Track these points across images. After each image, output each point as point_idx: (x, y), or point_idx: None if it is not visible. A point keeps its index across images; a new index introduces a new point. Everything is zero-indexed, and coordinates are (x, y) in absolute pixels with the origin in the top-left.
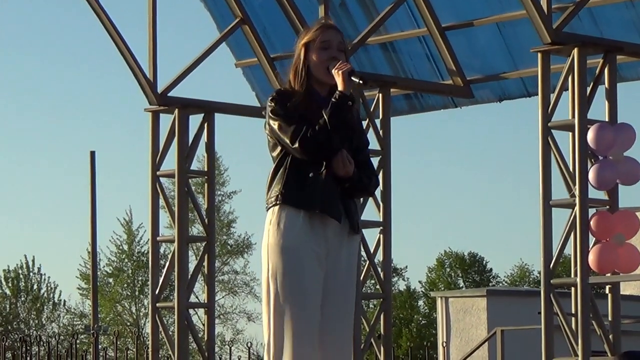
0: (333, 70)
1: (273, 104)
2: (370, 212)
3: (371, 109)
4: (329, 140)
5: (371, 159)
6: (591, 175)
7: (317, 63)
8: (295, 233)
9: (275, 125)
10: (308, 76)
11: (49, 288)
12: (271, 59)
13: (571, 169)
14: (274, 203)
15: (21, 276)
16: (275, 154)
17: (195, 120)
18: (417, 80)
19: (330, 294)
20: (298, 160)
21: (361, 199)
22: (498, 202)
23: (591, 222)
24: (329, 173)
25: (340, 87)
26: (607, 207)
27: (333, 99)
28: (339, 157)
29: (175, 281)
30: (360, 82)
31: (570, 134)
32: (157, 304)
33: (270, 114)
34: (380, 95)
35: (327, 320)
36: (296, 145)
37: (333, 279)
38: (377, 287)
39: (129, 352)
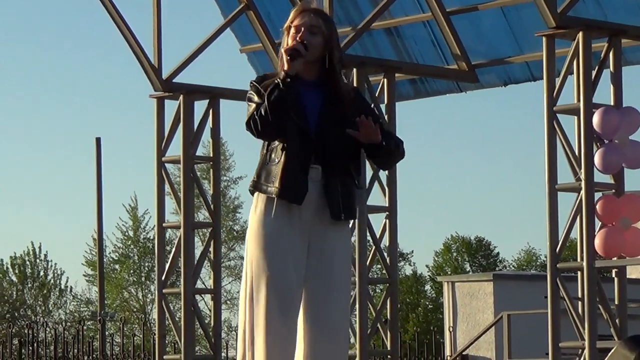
0: (281, 50)
1: (248, 90)
2: (376, 197)
3: (376, 94)
4: (268, 119)
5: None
6: (597, 159)
7: None
8: (271, 220)
9: (248, 111)
10: None
11: (56, 275)
12: (276, 45)
13: (577, 153)
14: (251, 189)
15: (28, 263)
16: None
17: (200, 106)
18: (422, 65)
19: (316, 281)
20: (271, 146)
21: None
22: (504, 187)
23: (597, 206)
24: (289, 156)
25: (285, 67)
26: (613, 191)
27: (277, 79)
28: (364, 125)
29: (182, 267)
30: (288, 57)
31: (576, 118)
32: (164, 290)
33: (247, 100)
34: (385, 80)
35: (316, 309)
36: (246, 127)
37: (318, 266)
38: (384, 272)
39: (135, 338)
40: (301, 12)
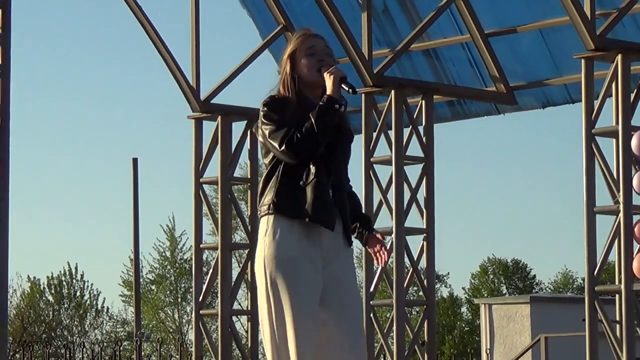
0: (325, 73)
1: (266, 109)
2: (414, 219)
3: (414, 116)
4: (316, 143)
5: (413, 165)
6: (635, 181)
7: (307, 68)
8: (291, 243)
9: (267, 130)
10: (297, 86)
11: (92, 295)
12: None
13: (615, 176)
14: (266, 212)
15: (64, 283)
16: (267, 160)
17: (238, 127)
18: (460, 87)
19: (333, 303)
20: (290, 168)
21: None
22: (542, 209)
23: (635, 229)
24: (320, 181)
25: (329, 90)
26: None
27: (321, 103)
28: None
29: (219, 288)
30: (350, 91)
31: (614, 140)
32: (201, 311)
33: (262, 120)
34: (424, 101)
35: (335, 331)
36: (283, 147)
37: (334, 287)
38: (420, 294)
39: (172, 359)
40: (308, 36)
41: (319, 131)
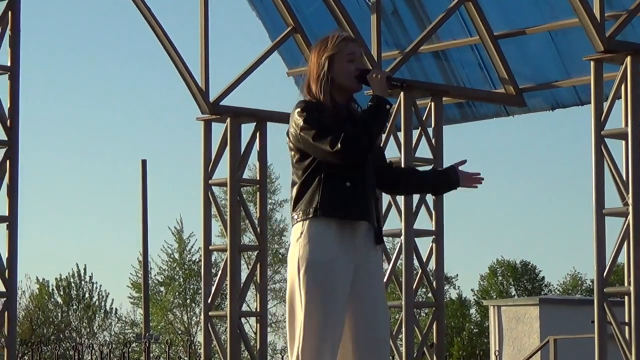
0: (370, 77)
1: (305, 114)
2: (423, 220)
3: (423, 118)
4: (371, 143)
5: (422, 167)
6: None
7: (344, 74)
8: (327, 246)
9: (309, 134)
10: (331, 87)
11: (101, 296)
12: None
13: (624, 177)
14: (311, 215)
15: (73, 285)
16: (304, 165)
17: (247, 129)
18: (470, 89)
19: (362, 303)
20: (333, 171)
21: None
22: (550, 211)
23: None
24: (365, 181)
25: (378, 91)
26: None
27: (371, 103)
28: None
29: (228, 290)
30: (404, 85)
31: (624, 142)
32: (210, 313)
33: (303, 124)
34: (433, 103)
35: (363, 330)
36: (337, 147)
37: (364, 288)
38: (429, 295)
39: None
40: (349, 41)
41: (375, 131)
